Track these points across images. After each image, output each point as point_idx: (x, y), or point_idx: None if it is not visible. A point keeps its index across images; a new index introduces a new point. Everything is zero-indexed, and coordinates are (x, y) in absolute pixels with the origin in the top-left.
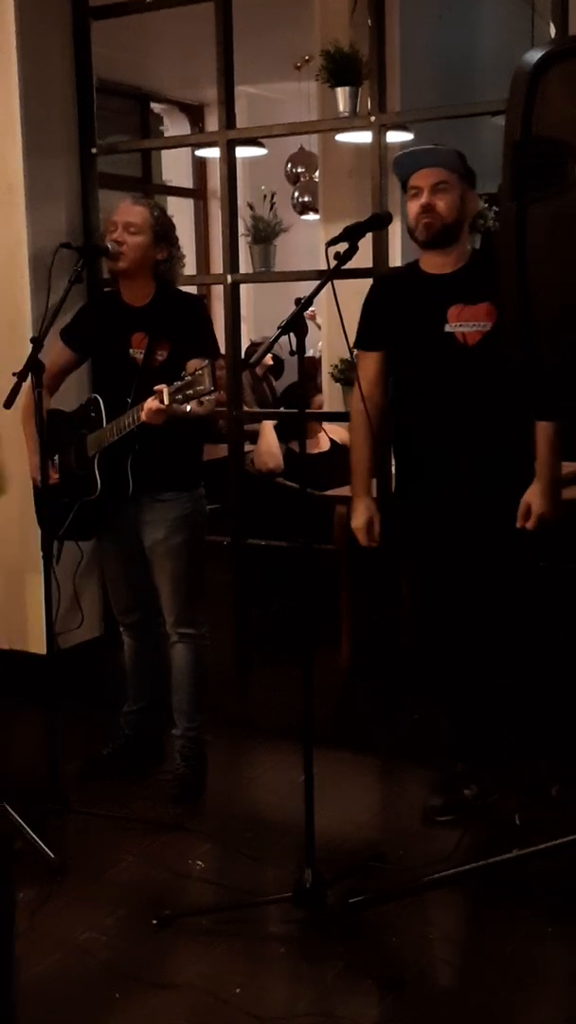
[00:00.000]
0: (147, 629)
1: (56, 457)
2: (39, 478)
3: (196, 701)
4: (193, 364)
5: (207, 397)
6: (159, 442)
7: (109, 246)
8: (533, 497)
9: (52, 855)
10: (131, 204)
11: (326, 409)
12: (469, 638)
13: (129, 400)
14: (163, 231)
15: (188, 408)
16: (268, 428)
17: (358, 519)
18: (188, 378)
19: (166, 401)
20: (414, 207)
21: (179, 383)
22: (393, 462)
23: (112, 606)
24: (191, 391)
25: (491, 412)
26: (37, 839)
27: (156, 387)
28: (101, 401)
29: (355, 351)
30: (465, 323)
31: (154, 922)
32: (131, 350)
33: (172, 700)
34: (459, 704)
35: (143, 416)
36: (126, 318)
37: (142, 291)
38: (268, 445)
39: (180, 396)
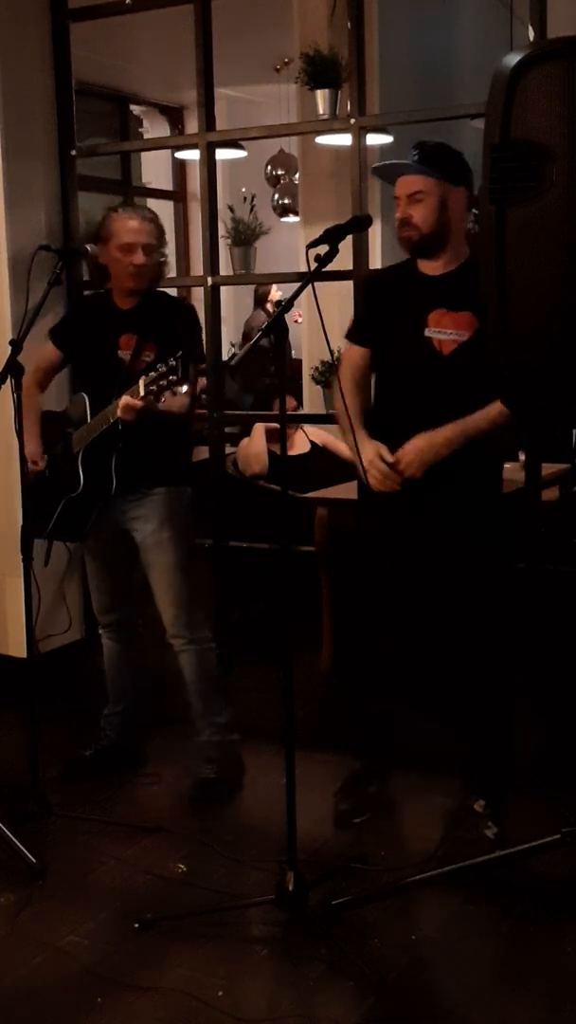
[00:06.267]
0: (126, 630)
1: (46, 455)
2: (29, 466)
3: (210, 706)
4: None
5: (180, 388)
6: (144, 440)
7: (131, 268)
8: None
9: (32, 859)
10: (140, 222)
11: (306, 411)
12: (435, 641)
13: (115, 400)
14: (162, 239)
15: (163, 400)
16: (259, 431)
17: (367, 452)
18: (162, 368)
19: (141, 392)
20: (397, 218)
21: (153, 373)
22: None
23: (92, 605)
24: (164, 381)
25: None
26: (17, 843)
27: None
28: (87, 400)
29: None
30: (444, 330)
31: (136, 925)
32: (119, 351)
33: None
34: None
35: (118, 411)
36: (115, 320)
37: (132, 294)
38: (257, 448)
39: (154, 387)
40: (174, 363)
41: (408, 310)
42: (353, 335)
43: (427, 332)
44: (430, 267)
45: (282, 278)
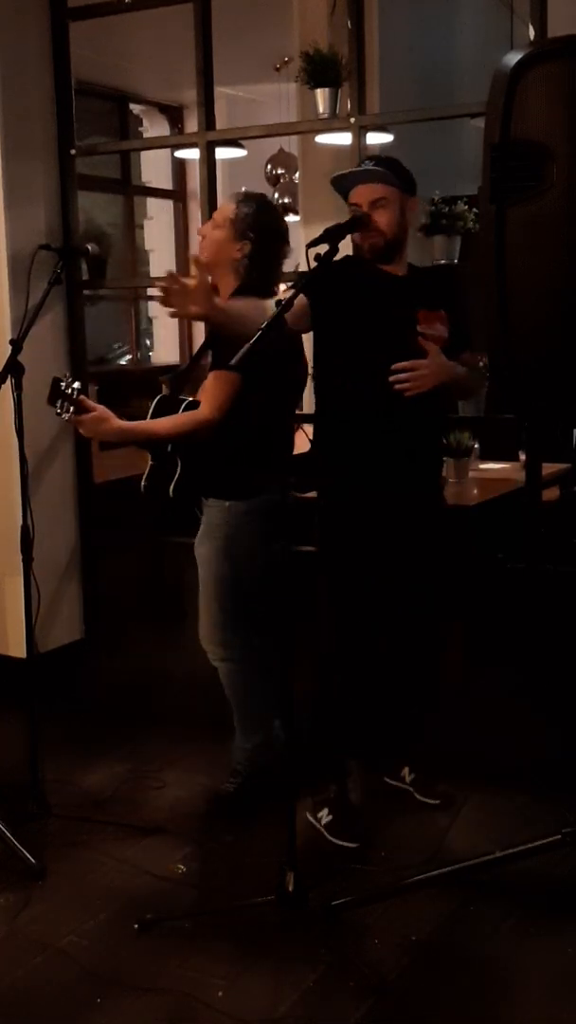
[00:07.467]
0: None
1: None
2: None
3: (241, 722)
4: (207, 381)
5: (63, 416)
6: (189, 450)
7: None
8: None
9: (32, 860)
10: (225, 201)
11: (307, 411)
12: (395, 637)
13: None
14: (243, 227)
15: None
16: None
17: None
18: (67, 390)
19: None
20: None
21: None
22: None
23: None
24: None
25: (438, 413)
26: (17, 843)
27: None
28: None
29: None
30: (433, 328)
31: (136, 926)
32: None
33: None
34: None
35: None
36: None
37: (223, 289)
38: None
39: (58, 404)
40: (63, 386)
41: (393, 306)
42: (296, 285)
43: (419, 329)
44: (393, 270)
45: (282, 277)
